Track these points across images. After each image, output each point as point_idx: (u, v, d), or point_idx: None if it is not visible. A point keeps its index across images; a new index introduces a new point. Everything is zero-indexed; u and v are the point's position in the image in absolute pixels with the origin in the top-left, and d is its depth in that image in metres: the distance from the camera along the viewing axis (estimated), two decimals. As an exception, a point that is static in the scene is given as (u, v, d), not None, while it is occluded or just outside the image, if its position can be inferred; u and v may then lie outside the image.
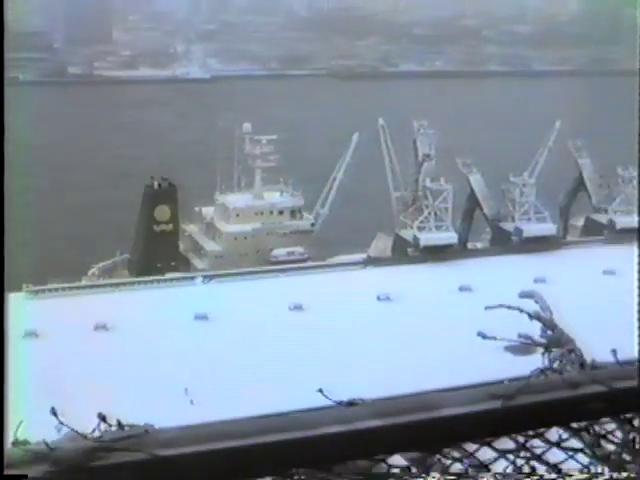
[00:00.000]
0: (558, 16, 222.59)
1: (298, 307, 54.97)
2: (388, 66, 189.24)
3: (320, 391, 2.89)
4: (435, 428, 2.68)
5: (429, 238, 65.88)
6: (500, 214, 69.63)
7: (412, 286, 57.40)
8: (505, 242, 68.63)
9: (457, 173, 69.66)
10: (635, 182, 71.51)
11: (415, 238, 66.16)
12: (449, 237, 66.78)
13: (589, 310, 50.43)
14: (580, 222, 74.53)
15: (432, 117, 73.22)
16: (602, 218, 71.79)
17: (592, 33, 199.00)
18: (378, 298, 56.68)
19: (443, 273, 61.05)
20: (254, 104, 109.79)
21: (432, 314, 51.73)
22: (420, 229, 66.45)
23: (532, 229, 68.07)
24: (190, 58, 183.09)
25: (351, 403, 2.72)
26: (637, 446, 2.97)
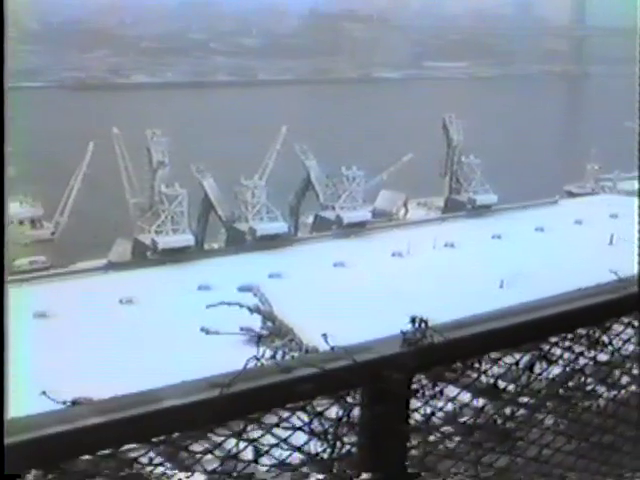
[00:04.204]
0: (280, 29, 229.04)
1: (42, 315, 54.36)
2: (119, 77, 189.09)
3: (44, 393, 2.86)
4: (156, 420, 2.72)
5: (167, 241, 67.41)
6: (234, 215, 71.71)
7: (153, 288, 58.20)
8: (240, 241, 70.73)
9: (191, 178, 71.06)
10: (358, 180, 75.86)
11: (153, 242, 67.56)
12: (186, 239, 68.50)
13: (322, 299, 51.98)
14: (310, 219, 78.00)
15: (165, 126, 74.24)
16: (330, 215, 75.25)
17: (313, 45, 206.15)
18: (120, 301, 56.90)
19: (182, 274, 62.02)
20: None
21: (173, 314, 52.32)
22: (158, 233, 67.75)
23: (265, 228, 70.43)
24: None
25: (74, 403, 2.70)
26: (350, 421, 3.09)
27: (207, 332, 44.69)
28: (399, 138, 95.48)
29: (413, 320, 3.25)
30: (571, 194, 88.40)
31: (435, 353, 3.25)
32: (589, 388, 3.97)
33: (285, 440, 3.02)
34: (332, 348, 3.13)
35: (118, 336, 49.25)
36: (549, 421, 3.85)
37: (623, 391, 4.17)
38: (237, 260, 65.16)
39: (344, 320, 43.23)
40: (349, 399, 3.12)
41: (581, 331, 3.83)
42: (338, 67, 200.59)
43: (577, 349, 3.82)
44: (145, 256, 68.57)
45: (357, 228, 74.39)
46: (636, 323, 4.05)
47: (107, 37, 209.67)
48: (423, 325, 3.24)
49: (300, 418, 3.03)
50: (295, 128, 79.62)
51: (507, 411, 3.65)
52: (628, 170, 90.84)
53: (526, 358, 3.62)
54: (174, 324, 50.19)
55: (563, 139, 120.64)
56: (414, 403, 3.26)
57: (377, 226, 76.09)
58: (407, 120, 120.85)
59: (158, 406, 2.75)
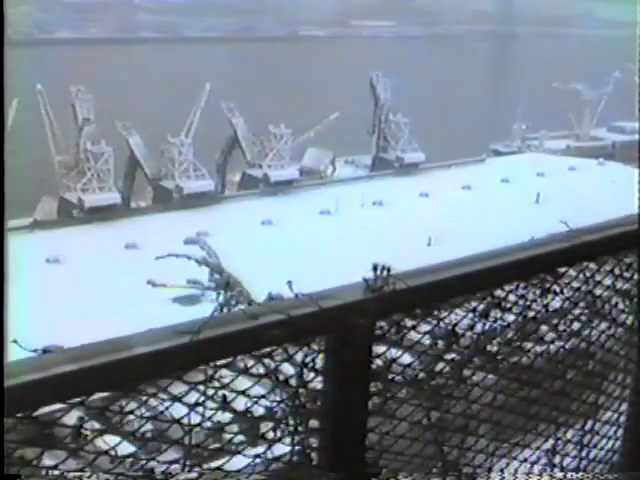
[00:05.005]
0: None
1: (-34, 275, 53.74)
2: (43, 33, 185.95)
3: (15, 341, 2.84)
4: (128, 367, 2.73)
5: (93, 199, 66.80)
6: (161, 173, 71.25)
7: (80, 246, 57.67)
8: (167, 199, 70.33)
9: (117, 135, 70.13)
10: (285, 138, 75.59)
11: (80, 200, 66.85)
12: (112, 197, 67.83)
13: (252, 256, 52.93)
14: (237, 177, 77.36)
15: (90, 82, 72.93)
16: (257, 173, 74.87)
17: (239, 3, 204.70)
18: (47, 261, 56.65)
19: (109, 232, 61.64)
20: None
21: (101, 272, 51.50)
22: (84, 191, 67.07)
23: (192, 186, 70.08)
24: None
25: (45, 351, 2.69)
26: (315, 367, 3.13)
27: (154, 285, 44.28)
28: (327, 96, 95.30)
29: (375, 267, 3.26)
30: (498, 153, 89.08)
31: (398, 300, 3.28)
32: (541, 335, 4.06)
33: (251, 387, 3.04)
34: (296, 295, 3.13)
35: (48, 294, 48.23)
36: (503, 367, 3.92)
37: (574, 338, 4.27)
38: (164, 218, 64.83)
39: (277, 276, 43.08)
40: (314, 346, 3.14)
41: (534, 279, 3.90)
42: (264, 25, 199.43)
43: (530, 296, 3.89)
44: (71, 214, 67.72)
45: (284, 186, 74.32)
46: (588, 272, 4.15)
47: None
48: (385, 272, 3.25)
49: (265, 365, 3.05)
50: (222, 86, 79.09)
51: (463, 357, 3.72)
52: (554, 129, 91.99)
53: (482, 305, 3.67)
54: (103, 283, 49.10)
55: (490, 99, 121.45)
56: (377, 349, 3.29)
57: (305, 184, 76.03)
58: (335, 78, 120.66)
59: (128, 353, 2.75)
